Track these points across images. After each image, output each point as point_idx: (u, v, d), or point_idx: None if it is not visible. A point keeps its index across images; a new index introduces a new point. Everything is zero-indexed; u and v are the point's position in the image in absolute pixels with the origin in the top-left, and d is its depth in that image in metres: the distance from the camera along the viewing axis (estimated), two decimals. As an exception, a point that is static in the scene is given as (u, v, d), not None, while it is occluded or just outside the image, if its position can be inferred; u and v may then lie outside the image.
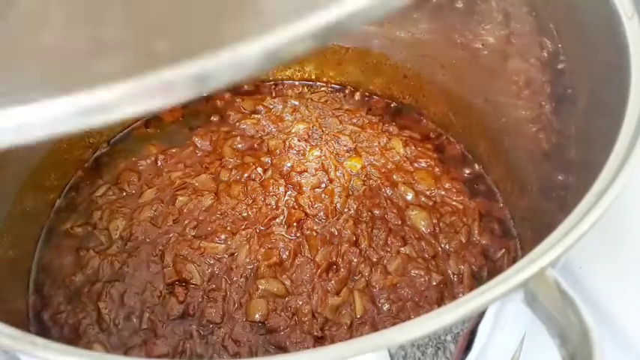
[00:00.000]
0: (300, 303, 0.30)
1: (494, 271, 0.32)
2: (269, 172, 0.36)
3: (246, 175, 0.36)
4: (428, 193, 0.36)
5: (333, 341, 0.29)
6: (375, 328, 0.30)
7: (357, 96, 0.43)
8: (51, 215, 0.36)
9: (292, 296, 0.31)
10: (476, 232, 0.34)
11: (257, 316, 0.30)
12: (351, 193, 0.35)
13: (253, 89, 0.43)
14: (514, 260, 0.21)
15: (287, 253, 0.32)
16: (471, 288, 0.28)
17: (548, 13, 0.29)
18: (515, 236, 0.34)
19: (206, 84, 0.10)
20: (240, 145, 0.38)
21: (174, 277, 0.31)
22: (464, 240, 0.34)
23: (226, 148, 0.38)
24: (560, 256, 0.18)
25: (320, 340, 0.29)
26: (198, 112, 0.41)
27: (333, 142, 0.38)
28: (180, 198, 0.35)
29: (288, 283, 0.31)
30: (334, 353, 0.16)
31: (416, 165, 0.37)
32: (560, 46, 0.28)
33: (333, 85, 0.44)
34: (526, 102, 0.33)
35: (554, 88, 0.30)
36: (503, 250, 0.33)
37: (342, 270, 0.32)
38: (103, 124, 0.10)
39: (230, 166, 0.37)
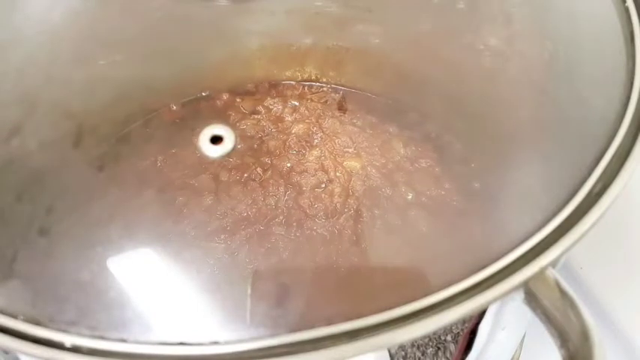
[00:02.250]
0: (301, 303, 0.30)
1: (494, 271, 0.32)
2: (269, 172, 0.36)
3: (245, 175, 0.36)
4: (428, 193, 0.36)
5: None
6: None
7: (357, 96, 0.43)
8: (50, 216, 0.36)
9: (292, 296, 0.31)
10: (476, 232, 0.34)
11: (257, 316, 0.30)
12: (351, 193, 0.35)
13: (253, 89, 0.43)
14: (514, 260, 0.21)
15: (287, 253, 0.32)
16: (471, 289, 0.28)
17: (550, 15, 0.29)
18: (515, 236, 0.34)
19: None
20: (239, 146, 0.38)
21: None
22: (464, 240, 0.34)
23: (226, 148, 0.38)
24: (561, 256, 0.18)
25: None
26: (198, 113, 0.41)
27: (332, 142, 0.38)
28: (180, 198, 0.35)
29: (288, 283, 0.31)
30: (334, 353, 0.16)
31: (416, 165, 0.37)
32: (562, 47, 0.28)
33: (333, 86, 0.44)
34: (527, 103, 0.33)
35: (557, 90, 0.30)
36: (504, 249, 0.33)
37: (343, 270, 0.32)
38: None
39: (230, 167, 0.37)
